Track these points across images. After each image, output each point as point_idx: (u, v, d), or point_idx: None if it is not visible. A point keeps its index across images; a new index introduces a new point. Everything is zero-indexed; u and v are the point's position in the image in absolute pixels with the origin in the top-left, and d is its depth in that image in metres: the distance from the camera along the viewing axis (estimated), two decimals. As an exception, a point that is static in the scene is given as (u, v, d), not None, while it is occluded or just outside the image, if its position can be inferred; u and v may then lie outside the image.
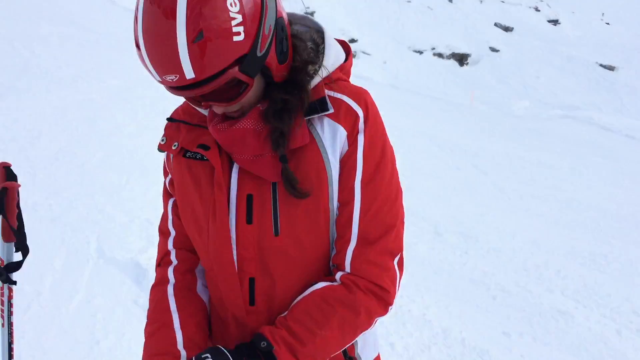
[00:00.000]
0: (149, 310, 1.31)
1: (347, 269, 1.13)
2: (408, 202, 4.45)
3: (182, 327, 1.22)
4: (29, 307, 3.11)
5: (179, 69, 0.94)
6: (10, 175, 1.52)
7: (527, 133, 15.16)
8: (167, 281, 1.29)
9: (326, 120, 1.13)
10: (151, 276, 3.49)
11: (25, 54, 12.32)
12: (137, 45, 0.98)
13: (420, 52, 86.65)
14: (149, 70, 0.99)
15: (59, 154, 6.02)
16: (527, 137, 14.51)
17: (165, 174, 1.33)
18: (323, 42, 1.21)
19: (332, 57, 1.18)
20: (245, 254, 1.15)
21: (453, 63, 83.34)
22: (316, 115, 1.11)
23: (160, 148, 1.27)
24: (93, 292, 3.40)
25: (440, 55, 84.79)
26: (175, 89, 1.00)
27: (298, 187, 1.08)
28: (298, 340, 1.07)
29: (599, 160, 12.35)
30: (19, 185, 1.54)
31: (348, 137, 1.12)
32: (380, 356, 1.39)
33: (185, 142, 1.20)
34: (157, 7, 0.92)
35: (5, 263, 1.57)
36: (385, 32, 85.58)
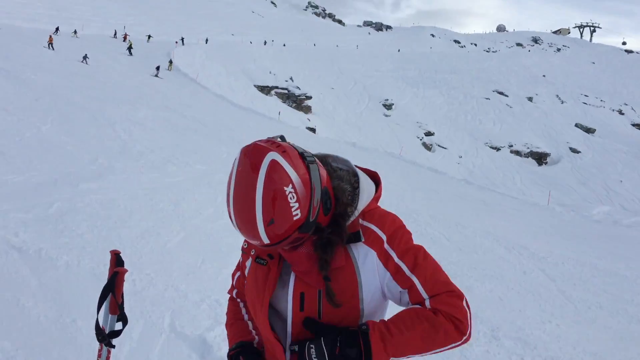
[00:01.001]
0: (227, 312, 1.98)
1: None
2: None
3: (250, 319, 1.87)
4: (107, 371, 3.50)
5: (259, 239, 1.43)
6: (120, 262, 1.99)
7: (604, 240, 14.70)
8: (238, 301, 1.95)
9: (360, 246, 1.58)
10: (215, 353, 3.85)
11: (123, 137, 13.61)
12: (230, 218, 1.47)
13: (498, 149, 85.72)
14: (240, 234, 1.49)
15: (146, 233, 6.68)
16: (604, 243, 14.07)
17: (243, 262, 1.88)
18: (358, 184, 1.66)
19: (365, 197, 1.64)
20: (295, 336, 1.61)
21: (531, 162, 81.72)
22: (353, 244, 1.58)
23: (243, 250, 1.83)
24: (162, 361, 3.77)
25: (517, 152, 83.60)
26: (259, 246, 1.49)
27: (335, 299, 1.53)
28: (389, 332, 1.47)
29: (682, 273, 11.80)
30: (127, 271, 1.99)
31: (378, 255, 1.57)
32: None
33: (259, 252, 1.71)
34: (242, 201, 1.41)
35: (108, 330, 2.00)
36: (462, 127, 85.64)
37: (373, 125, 78.29)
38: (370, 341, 1.45)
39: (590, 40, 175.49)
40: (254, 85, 70.06)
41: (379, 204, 1.72)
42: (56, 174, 8.89)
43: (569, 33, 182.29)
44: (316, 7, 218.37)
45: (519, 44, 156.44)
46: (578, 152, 79.45)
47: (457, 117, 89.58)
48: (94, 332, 2.23)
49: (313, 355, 1.47)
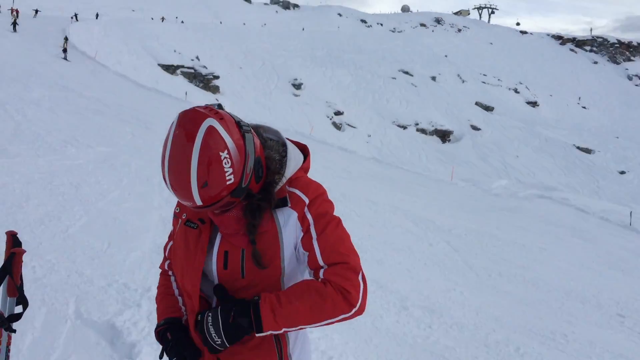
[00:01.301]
0: (158, 286, 1.97)
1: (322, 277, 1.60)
2: (377, 275, 4.83)
3: (179, 295, 1.88)
4: (8, 363, 3.29)
5: (192, 201, 1.48)
6: (17, 242, 1.86)
7: (503, 211, 15.60)
8: (169, 274, 1.95)
9: (285, 210, 1.65)
10: (126, 338, 3.72)
11: (16, 117, 12.70)
12: (164, 180, 1.51)
13: (404, 128, 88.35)
14: (173, 195, 1.53)
15: (45, 218, 6.32)
16: (503, 215, 14.95)
17: (173, 224, 1.89)
18: (286, 153, 1.72)
19: (292, 165, 1.71)
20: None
21: (436, 139, 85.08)
22: (278, 209, 1.65)
23: (176, 215, 1.84)
24: (68, 351, 3.59)
25: (423, 131, 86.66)
26: (191, 207, 1.54)
27: (261, 261, 1.61)
28: (279, 303, 1.53)
29: (572, 241, 12.75)
30: (24, 251, 1.86)
31: (298, 217, 1.64)
32: None
33: (190, 216, 1.73)
34: (177, 163, 1.44)
35: (7, 314, 1.86)
36: (370, 106, 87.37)
37: (283, 105, 78.06)
38: (260, 311, 1.52)
39: (489, 21, 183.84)
40: (158, 65, 67.57)
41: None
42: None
43: (469, 14, 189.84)
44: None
45: (422, 25, 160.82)
46: (478, 129, 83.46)
47: (365, 97, 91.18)
48: None
49: (209, 323, 1.56)
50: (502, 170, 66.81)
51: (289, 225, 1.64)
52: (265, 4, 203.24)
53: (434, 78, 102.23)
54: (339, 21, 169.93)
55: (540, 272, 9.12)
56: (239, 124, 1.54)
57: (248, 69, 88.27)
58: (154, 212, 7.43)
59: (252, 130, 1.58)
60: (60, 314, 4.06)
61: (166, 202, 7.96)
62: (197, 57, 78.13)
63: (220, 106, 1.56)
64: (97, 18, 70.29)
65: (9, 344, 2.00)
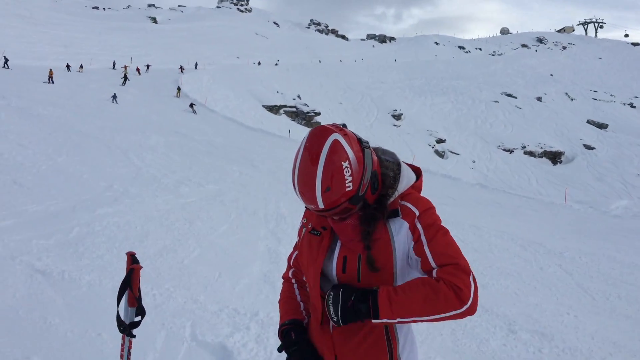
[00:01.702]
0: (281, 291, 2.20)
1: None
2: (481, 299, 4.80)
3: (301, 301, 2.12)
4: (133, 379, 3.65)
5: (316, 204, 1.71)
6: (135, 261, 2.17)
7: (623, 233, 14.61)
8: (292, 281, 2.20)
9: (397, 220, 1.85)
10: (236, 358, 3.98)
11: (137, 163, 13.96)
12: (294, 186, 1.75)
13: (511, 151, 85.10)
14: (299, 199, 1.76)
15: (163, 251, 6.93)
16: (623, 237, 13.98)
17: (299, 234, 2.14)
18: (400, 171, 1.93)
19: (404, 182, 1.92)
20: None
21: (545, 161, 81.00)
22: (391, 219, 1.85)
23: (303, 224, 2.07)
24: (186, 370, 3.91)
25: (531, 153, 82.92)
26: (314, 211, 1.77)
27: (375, 265, 1.81)
28: (395, 293, 1.71)
29: (702, 262, 11.70)
30: (141, 267, 2.17)
31: (410, 227, 1.83)
32: None
33: (314, 224, 1.98)
34: (306, 170, 1.69)
35: (128, 322, 2.17)
36: (473, 132, 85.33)
37: (384, 136, 78.42)
38: (378, 299, 1.70)
39: (596, 36, 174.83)
40: (263, 106, 70.60)
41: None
42: (74, 202, 9.16)
43: (574, 31, 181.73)
44: (319, 24, 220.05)
45: (524, 45, 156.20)
46: (592, 148, 78.88)
47: (467, 122, 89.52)
48: (119, 344, 2.43)
49: (330, 301, 1.75)
50: (622, 190, 62.36)
51: (400, 234, 1.82)
52: (362, 39, 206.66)
53: (539, 99, 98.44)
54: (436, 50, 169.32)
55: (665, 295, 8.45)
56: (359, 140, 1.79)
57: (348, 104, 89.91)
58: (260, 242, 7.82)
59: (370, 148, 1.83)
60: (177, 337, 4.43)
61: (271, 233, 8.35)
62: (299, 96, 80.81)
63: (344, 125, 1.84)
64: (195, 68, 74.81)
65: (130, 347, 2.32)
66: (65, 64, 50.12)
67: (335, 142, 1.69)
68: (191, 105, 37.32)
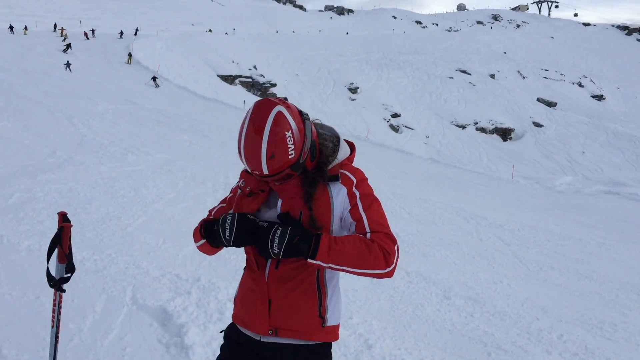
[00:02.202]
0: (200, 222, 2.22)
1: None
2: (421, 267, 5.07)
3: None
4: (71, 340, 3.70)
5: (261, 171, 1.86)
6: (66, 220, 2.22)
7: (566, 208, 15.24)
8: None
9: (336, 184, 2.02)
10: (175, 321, 4.08)
11: (82, 130, 13.67)
12: (240, 154, 1.88)
13: (463, 127, 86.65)
14: (245, 166, 1.91)
15: (106, 217, 6.90)
16: (565, 212, 14.60)
17: (233, 192, 2.24)
18: (338, 144, 2.14)
19: (342, 153, 2.13)
20: None
21: (496, 138, 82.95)
22: (331, 182, 2.02)
23: (240, 188, 2.15)
24: (125, 331, 3.98)
25: (483, 130, 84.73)
26: (258, 176, 1.92)
27: (316, 223, 1.97)
28: (335, 242, 1.88)
29: (637, 236, 12.30)
30: (72, 225, 2.23)
31: (347, 193, 2.02)
32: (340, 327, 2.15)
33: (253, 187, 2.08)
34: (252, 139, 1.83)
35: (58, 277, 2.24)
36: (428, 107, 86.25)
37: (340, 109, 78.43)
38: (320, 242, 1.87)
39: (549, 15, 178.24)
40: (217, 75, 69.45)
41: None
42: (14, 167, 8.96)
43: (528, 9, 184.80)
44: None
45: (479, 22, 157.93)
46: (541, 126, 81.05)
47: (422, 98, 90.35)
48: (56, 332, 2.50)
49: (277, 235, 1.88)
50: (568, 167, 64.55)
51: (339, 198, 2.01)
52: (320, 10, 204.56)
53: (492, 76, 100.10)
54: (393, 23, 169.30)
55: (595, 266, 8.92)
56: (300, 113, 1.95)
57: (304, 76, 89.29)
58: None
59: (310, 120, 1.99)
60: (118, 301, 4.49)
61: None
62: (255, 67, 79.79)
63: (286, 99, 2.05)
64: (135, 34, 71.64)
65: (60, 302, 2.39)
66: (8, 25, 47.83)
67: (279, 114, 1.84)
68: (153, 78, 35.81)
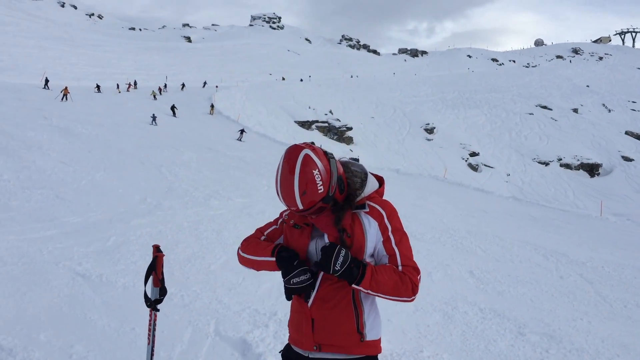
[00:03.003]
0: (248, 237, 2.67)
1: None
2: (495, 305, 5.23)
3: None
4: (162, 366, 4.11)
5: (296, 206, 2.16)
6: (159, 251, 2.64)
7: (660, 246, 14.48)
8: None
9: (365, 216, 2.31)
10: (254, 350, 4.41)
11: (169, 178, 14.67)
12: (277, 193, 2.21)
13: (546, 164, 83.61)
14: (283, 204, 2.21)
15: (192, 257, 7.48)
16: (659, 249, 13.86)
17: (279, 223, 2.60)
18: (366, 179, 2.41)
19: (369, 187, 2.39)
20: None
21: (582, 173, 79.37)
22: (358, 211, 2.32)
23: (285, 221, 2.51)
24: (208, 359, 4.35)
25: (567, 166, 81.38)
26: (295, 212, 2.23)
27: (346, 244, 2.25)
28: (377, 272, 2.19)
29: None
30: (164, 255, 2.64)
31: (379, 225, 2.30)
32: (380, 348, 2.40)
33: (297, 221, 2.42)
34: (286, 180, 2.15)
35: (153, 299, 2.65)
36: (508, 145, 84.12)
37: (416, 150, 78.30)
38: (366, 270, 2.17)
39: (633, 45, 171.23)
40: (295, 122, 71.42)
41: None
42: (110, 214, 9.80)
43: (610, 41, 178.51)
44: (350, 39, 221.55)
45: (559, 57, 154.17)
46: (631, 160, 77.18)
47: (501, 135, 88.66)
48: (152, 348, 2.91)
49: (341, 254, 2.17)
50: (663, 203, 60.78)
51: (371, 230, 2.28)
52: (394, 54, 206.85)
53: (575, 110, 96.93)
54: (468, 63, 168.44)
55: (686, 305, 8.49)
56: (325, 153, 2.26)
57: (380, 118, 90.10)
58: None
59: (335, 158, 2.30)
60: (203, 332, 4.89)
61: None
62: (331, 111, 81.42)
63: (313, 143, 2.38)
64: (203, 87, 74.58)
65: (155, 320, 2.81)
66: (95, 85, 51.24)
67: (306, 156, 2.16)
68: (241, 131, 35.08)
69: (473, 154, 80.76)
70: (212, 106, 49.06)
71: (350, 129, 77.65)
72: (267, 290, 6.30)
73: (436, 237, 11.46)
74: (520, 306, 7.36)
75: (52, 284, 5.60)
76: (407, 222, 12.70)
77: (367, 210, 2.31)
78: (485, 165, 78.19)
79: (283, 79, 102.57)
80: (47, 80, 44.73)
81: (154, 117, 33.25)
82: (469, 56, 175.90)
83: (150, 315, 2.83)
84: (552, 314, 7.20)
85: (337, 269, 2.15)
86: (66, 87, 37.36)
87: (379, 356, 2.41)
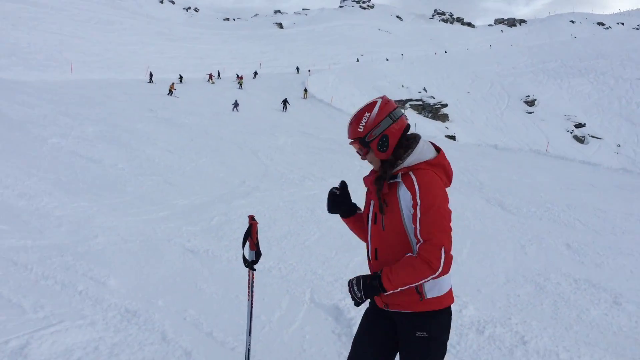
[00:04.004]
0: None
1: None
2: (591, 275, 5.31)
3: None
4: (263, 328, 4.55)
5: (349, 133, 2.52)
6: (253, 220, 3.01)
7: None
8: None
9: (402, 186, 2.44)
10: (346, 315, 4.76)
11: (266, 161, 15.39)
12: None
13: (663, 133, 76.90)
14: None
15: (288, 234, 7.98)
16: None
17: None
18: (413, 150, 2.50)
19: (413, 158, 2.47)
20: (373, 237, 2.60)
21: None
22: (399, 181, 2.45)
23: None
24: (304, 323, 4.75)
25: (687, 134, 74.59)
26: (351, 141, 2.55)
27: (383, 208, 2.47)
28: (391, 272, 2.36)
29: None
30: (258, 223, 3.02)
31: (412, 196, 2.39)
32: (449, 300, 2.56)
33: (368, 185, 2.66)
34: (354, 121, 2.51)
35: (250, 260, 3.05)
36: (617, 114, 78.96)
37: (516, 124, 75.29)
38: (381, 278, 2.37)
39: None
40: (388, 101, 71.00)
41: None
42: (213, 196, 10.55)
43: None
44: (443, 13, 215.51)
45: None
46: None
47: (610, 104, 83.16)
48: (251, 303, 3.32)
49: (354, 284, 2.43)
50: None
51: (405, 200, 2.41)
52: (490, 25, 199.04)
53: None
54: (572, 29, 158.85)
55: None
56: (390, 112, 2.49)
57: (476, 93, 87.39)
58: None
59: (395, 120, 2.49)
60: (299, 300, 5.31)
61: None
62: (425, 89, 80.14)
63: (397, 103, 2.67)
64: (297, 72, 74.82)
65: (252, 278, 3.23)
66: (179, 76, 52.75)
67: (373, 102, 2.50)
68: (235, 104, 34.33)
69: (579, 125, 76.45)
70: (306, 90, 49.96)
71: (445, 105, 76.05)
72: (359, 263, 6.62)
73: (532, 211, 11.26)
74: (618, 277, 7.20)
75: (165, 258, 6.26)
76: (501, 197, 12.66)
77: (407, 180, 2.41)
78: (592, 136, 73.83)
79: (357, 60, 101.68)
80: (151, 75, 47.51)
81: (235, 104, 33.88)
82: (572, 22, 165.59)
83: (248, 275, 3.25)
84: (654, 285, 6.98)
85: (358, 295, 2.41)
86: (173, 83, 39.44)
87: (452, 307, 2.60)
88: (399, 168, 2.46)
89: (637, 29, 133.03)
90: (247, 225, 3.25)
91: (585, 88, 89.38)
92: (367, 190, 2.65)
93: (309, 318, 4.89)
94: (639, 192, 16.55)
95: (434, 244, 2.30)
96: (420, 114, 71.80)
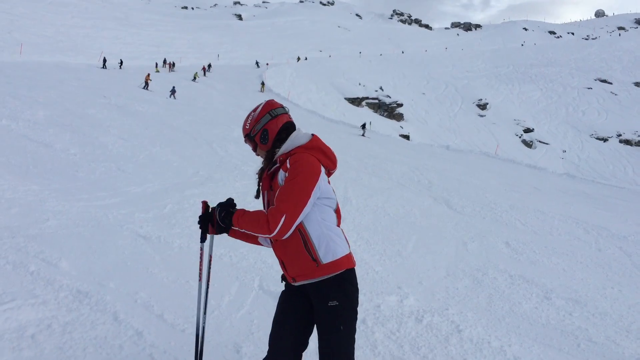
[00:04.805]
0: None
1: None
2: (526, 272, 5.63)
3: None
4: (212, 312, 4.70)
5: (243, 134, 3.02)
6: (207, 205, 3.13)
7: None
8: None
9: (281, 170, 2.77)
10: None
11: (220, 153, 15.46)
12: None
13: (605, 140, 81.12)
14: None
15: (240, 224, 8.09)
16: None
17: None
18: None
19: (288, 145, 2.85)
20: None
21: (643, 150, 75.83)
22: (274, 167, 2.85)
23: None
24: (253, 308, 4.94)
25: (627, 142, 78.72)
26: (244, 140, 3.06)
27: (257, 193, 3.03)
28: (243, 215, 2.80)
29: None
30: (207, 201, 3.14)
31: (284, 175, 2.72)
32: (347, 264, 2.81)
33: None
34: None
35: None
36: (564, 120, 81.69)
37: (468, 126, 77.21)
38: (233, 216, 2.85)
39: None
40: (345, 98, 71.59)
41: None
42: (166, 185, 10.58)
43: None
44: (401, 14, 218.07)
45: (620, 28, 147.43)
46: (696, 136, 73.89)
47: (557, 111, 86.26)
48: (202, 288, 3.45)
49: (217, 210, 2.92)
50: None
51: (283, 182, 2.71)
52: (447, 28, 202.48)
53: (637, 84, 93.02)
54: (524, 36, 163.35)
55: None
56: (270, 112, 2.91)
57: (431, 94, 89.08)
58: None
59: (273, 118, 2.89)
60: (248, 286, 5.50)
61: (357, 209, 9.29)
62: (381, 88, 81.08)
63: (282, 105, 3.01)
64: (257, 66, 72.15)
65: (208, 260, 3.33)
66: (155, 63, 52.22)
67: (259, 104, 2.97)
68: (172, 90, 33.79)
69: (527, 130, 79.00)
70: (263, 84, 49.88)
71: (400, 105, 77.22)
72: (308, 253, 6.85)
73: (476, 211, 11.75)
74: (551, 274, 7.65)
75: (117, 244, 6.31)
76: (448, 196, 13.13)
77: (284, 165, 2.74)
78: (540, 141, 76.45)
79: (329, 56, 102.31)
80: (105, 60, 46.41)
81: (173, 91, 33.08)
82: (525, 29, 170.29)
83: (200, 253, 3.35)
84: (582, 283, 7.45)
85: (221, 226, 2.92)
86: (148, 74, 36.83)
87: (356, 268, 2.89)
88: (277, 156, 2.82)
89: (586, 39, 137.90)
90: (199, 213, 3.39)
91: (535, 94, 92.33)
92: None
93: (257, 304, 5.07)
94: (580, 196, 17.38)
95: (279, 209, 2.60)
96: (376, 112, 72.62)
